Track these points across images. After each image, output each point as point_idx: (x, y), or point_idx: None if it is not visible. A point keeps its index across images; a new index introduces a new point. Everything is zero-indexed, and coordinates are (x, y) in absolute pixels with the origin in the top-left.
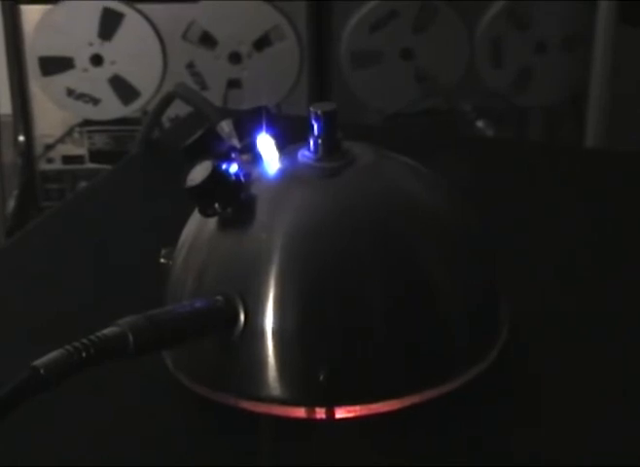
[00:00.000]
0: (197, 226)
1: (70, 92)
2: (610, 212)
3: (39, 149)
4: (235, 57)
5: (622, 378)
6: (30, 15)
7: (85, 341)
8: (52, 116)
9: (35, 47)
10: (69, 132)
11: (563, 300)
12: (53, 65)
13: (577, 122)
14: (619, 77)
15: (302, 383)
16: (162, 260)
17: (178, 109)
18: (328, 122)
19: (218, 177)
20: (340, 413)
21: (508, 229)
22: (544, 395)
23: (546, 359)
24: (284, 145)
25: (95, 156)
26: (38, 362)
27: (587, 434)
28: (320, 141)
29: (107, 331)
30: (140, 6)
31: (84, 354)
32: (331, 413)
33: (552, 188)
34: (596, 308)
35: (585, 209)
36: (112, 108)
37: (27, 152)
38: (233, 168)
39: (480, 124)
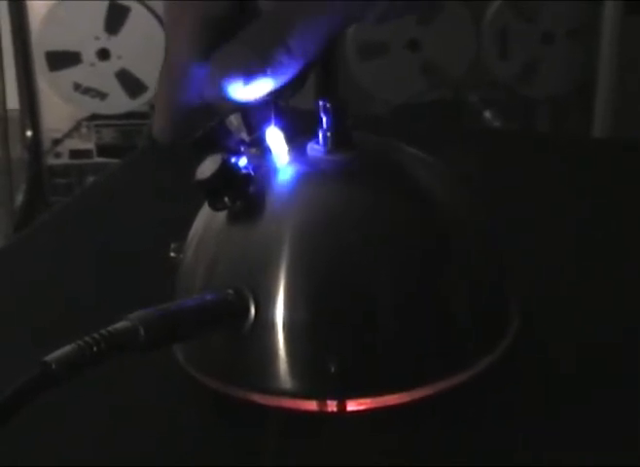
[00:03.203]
0: (207, 219)
1: (77, 87)
2: (617, 209)
3: (46, 144)
4: None
5: (629, 378)
6: (36, 9)
7: (96, 335)
8: (59, 110)
9: (42, 42)
10: (76, 127)
11: (570, 299)
12: (60, 60)
13: (583, 112)
14: (626, 67)
15: (313, 376)
16: (172, 254)
17: None
18: (337, 114)
19: (227, 171)
20: (352, 406)
21: (514, 227)
22: (549, 393)
23: (552, 358)
24: (293, 138)
25: (103, 150)
26: (49, 357)
27: (589, 433)
28: (329, 134)
29: (118, 325)
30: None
31: (95, 349)
32: (342, 406)
33: (559, 184)
34: (603, 307)
35: (591, 206)
36: (119, 102)
37: (35, 146)
38: (243, 162)
39: (487, 114)
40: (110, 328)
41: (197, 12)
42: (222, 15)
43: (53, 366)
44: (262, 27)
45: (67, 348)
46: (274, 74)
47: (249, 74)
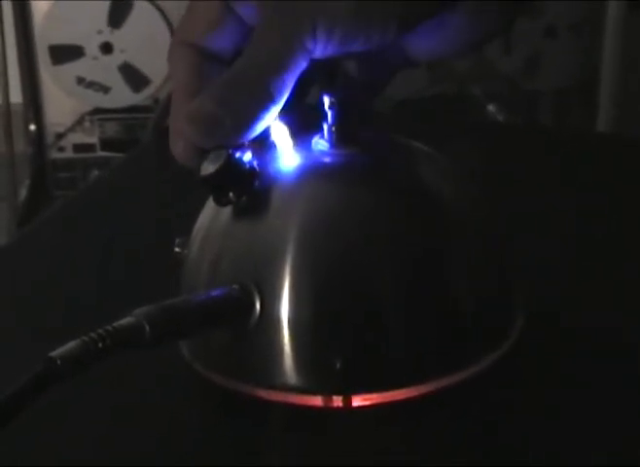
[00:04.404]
0: (212, 215)
1: (80, 81)
2: (618, 206)
3: (50, 138)
4: None
5: (629, 378)
6: (40, 3)
7: (101, 331)
8: (62, 104)
9: (45, 35)
10: (80, 121)
11: (570, 299)
12: (63, 54)
13: (586, 107)
14: (629, 66)
15: (318, 372)
16: (177, 249)
17: None
18: (342, 109)
19: (232, 166)
20: (357, 401)
21: (515, 223)
22: (549, 393)
23: (552, 358)
24: (298, 133)
25: (106, 144)
26: (54, 353)
27: (589, 433)
28: (334, 129)
29: (123, 321)
30: None
31: (100, 345)
32: (348, 402)
33: (561, 179)
34: (603, 307)
35: (592, 203)
36: (122, 96)
37: (38, 141)
38: (247, 157)
39: (490, 108)
40: (115, 324)
41: (193, 43)
42: (221, 48)
43: (58, 362)
44: (230, 81)
45: (72, 344)
46: (245, 128)
47: (219, 133)
